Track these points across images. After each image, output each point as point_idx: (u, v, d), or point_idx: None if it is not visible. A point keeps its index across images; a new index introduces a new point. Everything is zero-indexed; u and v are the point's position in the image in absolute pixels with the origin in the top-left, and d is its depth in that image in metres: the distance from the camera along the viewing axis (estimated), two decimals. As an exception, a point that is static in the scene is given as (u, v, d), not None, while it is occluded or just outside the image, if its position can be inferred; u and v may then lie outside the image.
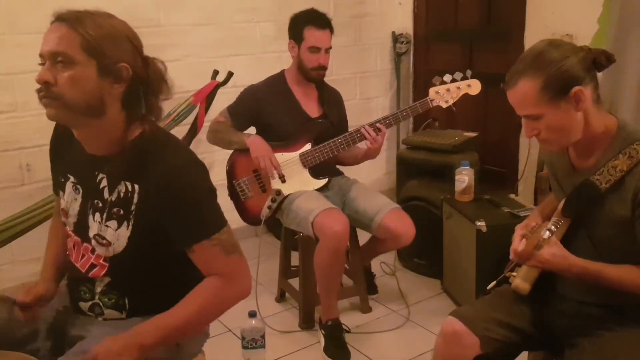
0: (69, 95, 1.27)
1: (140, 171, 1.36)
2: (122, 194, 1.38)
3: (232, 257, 1.40)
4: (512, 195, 2.83)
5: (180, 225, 1.37)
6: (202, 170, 1.41)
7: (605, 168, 1.43)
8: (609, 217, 1.44)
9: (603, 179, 1.43)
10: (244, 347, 2.31)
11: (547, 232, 1.39)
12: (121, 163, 1.36)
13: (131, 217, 1.38)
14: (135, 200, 1.37)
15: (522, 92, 1.43)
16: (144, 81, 1.35)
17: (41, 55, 1.29)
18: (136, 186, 1.37)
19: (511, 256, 1.51)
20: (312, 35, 2.58)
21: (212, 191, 1.42)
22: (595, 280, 1.43)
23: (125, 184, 1.38)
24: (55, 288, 1.56)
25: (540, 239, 1.38)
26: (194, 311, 1.37)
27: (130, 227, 1.38)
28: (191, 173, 1.37)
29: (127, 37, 1.33)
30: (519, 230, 1.59)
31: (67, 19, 1.28)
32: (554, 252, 1.43)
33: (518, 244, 1.48)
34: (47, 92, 1.28)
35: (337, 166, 2.87)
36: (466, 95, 2.58)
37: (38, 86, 1.29)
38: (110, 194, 1.40)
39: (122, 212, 1.38)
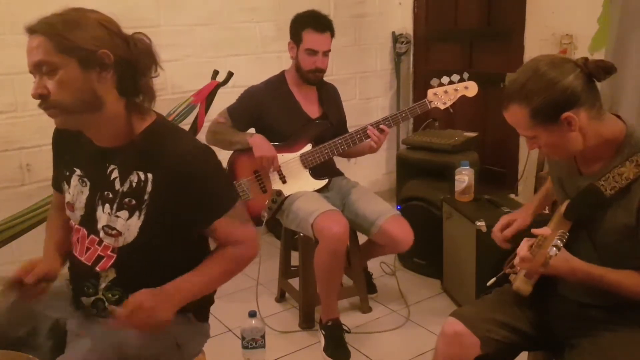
0: (64, 100, 1.30)
1: (153, 160, 1.39)
2: (134, 184, 1.40)
3: (247, 225, 1.51)
4: (512, 195, 2.84)
5: (199, 207, 1.42)
6: (211, 152, 1.46)
7: (611, 174, 1.42)
8: (612, 223, 1.43)
9: (608, 185, 1.42)
10: (244, 347, 2.31)
11: (555, 248, 1.35)
12: (133, 153, 1.39)
13: (143, 206, 1.40)
14: (149, 189, 1.39)
15: (513, 117, 1.44)
16: (130, 61, 1.36)
17: (30, 72, 1.32)
18: (149, 175, 1.39)
19: (516, 261, 1.50)
20: (310, 38, 2.58)
21: (223, 169, 1.53)
22: (598, 284, 1.43)
23: (138, 174, 1.40)
24: (59, 267, 1.55)
25: (547, 256, 1.36)
26: (216, 275, 1.48)
27: (142, 216, 1.40)
28: (203, 156, 1.43)
29: (98, 23, 1.33)
30: (510, 228, 1.67)
31: (38, 29, 1.29)
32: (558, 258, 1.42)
33: (523, 251, 1.46)
34: (46, 104, 1.32)
35: (338, 165, 2.88)
36: (463, 97, 2.60)
37: None
38: (122, 184, 1.42)
39: (133, 202, 1.40)
